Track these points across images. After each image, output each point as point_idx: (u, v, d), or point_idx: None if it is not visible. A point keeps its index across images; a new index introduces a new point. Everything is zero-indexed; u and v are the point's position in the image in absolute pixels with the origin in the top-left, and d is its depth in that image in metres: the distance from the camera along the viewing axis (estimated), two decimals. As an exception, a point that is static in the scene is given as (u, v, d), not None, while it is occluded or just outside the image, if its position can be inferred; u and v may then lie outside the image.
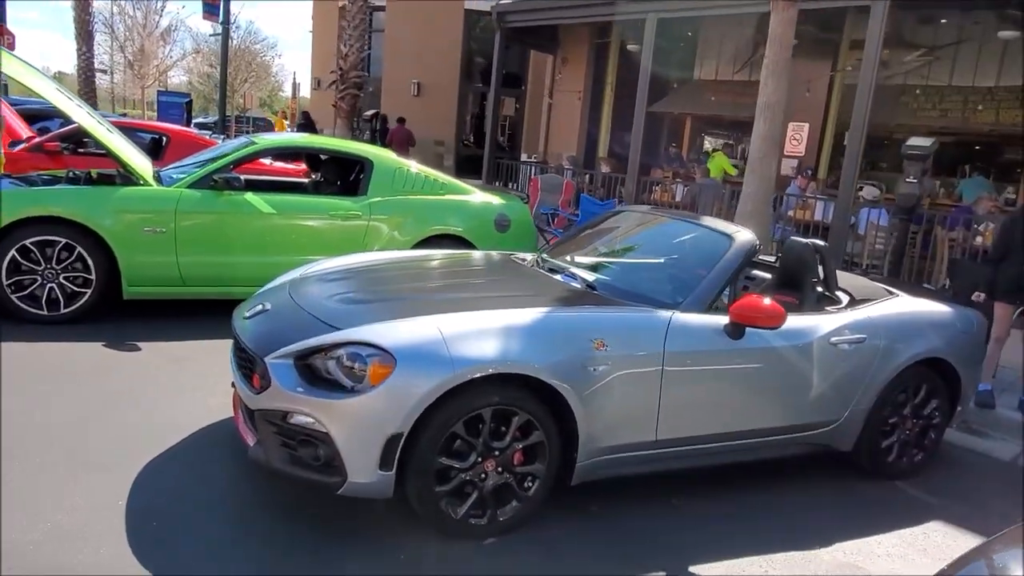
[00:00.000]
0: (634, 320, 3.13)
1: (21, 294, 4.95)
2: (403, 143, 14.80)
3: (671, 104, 13.64)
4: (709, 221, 3.83)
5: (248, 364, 3.00)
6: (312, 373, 2.79)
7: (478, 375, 2.73)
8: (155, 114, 18.84)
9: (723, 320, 3.26)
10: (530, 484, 2.95)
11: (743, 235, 3.56)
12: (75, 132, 7.94)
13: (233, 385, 3.48)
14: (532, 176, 10.56)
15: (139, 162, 5.45)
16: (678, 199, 10.35)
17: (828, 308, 3.77)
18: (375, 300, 3.14)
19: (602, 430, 3.02)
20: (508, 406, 2.83)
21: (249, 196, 5.49)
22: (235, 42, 40.81)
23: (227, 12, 17.51)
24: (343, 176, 6.41)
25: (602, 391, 2.97)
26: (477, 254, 4.45)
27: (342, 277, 3.63)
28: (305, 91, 33.32)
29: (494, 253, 4.49)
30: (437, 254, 4.28)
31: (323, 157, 6.72)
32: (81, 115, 5.38)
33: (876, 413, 3.71)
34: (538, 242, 7.10)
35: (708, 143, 14.89)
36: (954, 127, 11.04)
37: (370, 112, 9.53)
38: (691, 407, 3.22)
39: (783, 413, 3.50)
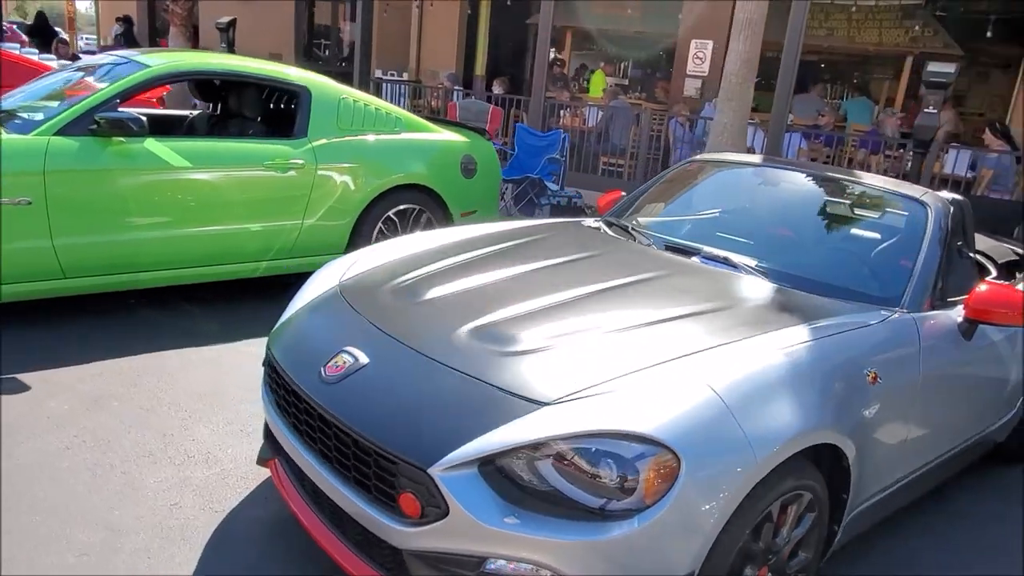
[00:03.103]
0: (895, 336, 2.28)
1: None
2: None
3: (555, 17, 12.51)
4: (876, 180, 3.01)
5: (375, 469, 1.78)
6: (511, 483, 1.67)
7: (781, 459, 1.77)
8: None
9: (950, 317, 2.53)
10: (793, 582, 2.08)
11: (936, 199, 2.80)
12: None
13: (273, 463, 2.22)
14: (450, 102, 9.13)
15: (-31, 97, 3.58)
16: (591, 124, 9.49)
17: (989, 280, 3.17)
18: (548, 338, 1.99)
19: (862, 488, 2.20)
20: (796, 490, 1.90)
21: (151, 143, 3.83)
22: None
23: None
24: (260, 110, 4.80)
25: (872, 439, 2.13)
26: (536, 226, 3.31)
27: (439, 284, 2.36)
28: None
29: (555, 223, 3.39)
30: (499, 232, 3.10)
31: (217, 83, 5.02)
32: None
33: (1035, 395, 3.23)
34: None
35: (576, 62, 14.04)
36: (840, 47, 11.11)
37: (226, 19, 7.53)
38: (928, 431, 2.48)
39: (986, 415, 2.89)
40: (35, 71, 5.65)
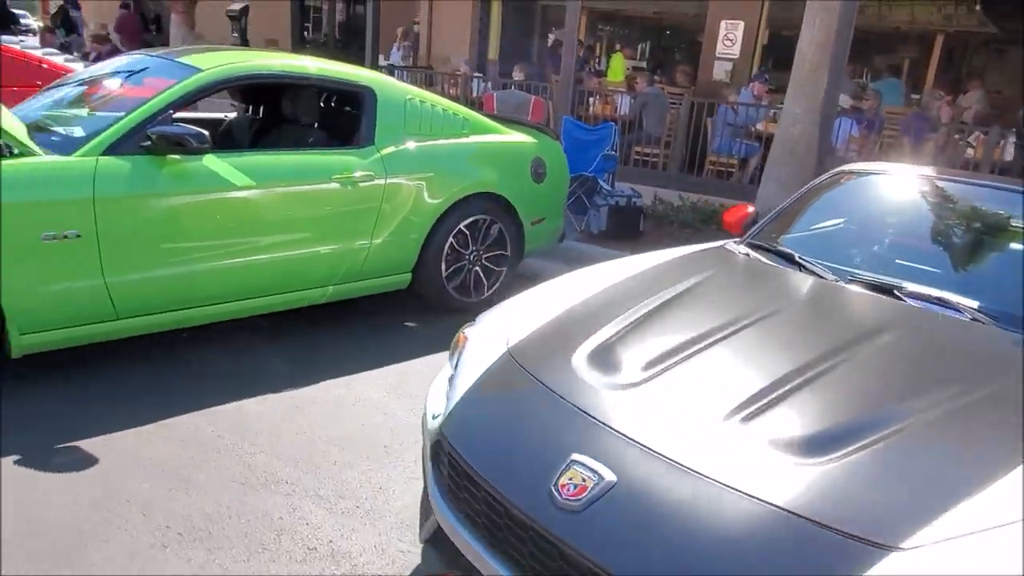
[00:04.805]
0: None
1: None
2: (134, 37, 12.24)
3: (566, -4, 11.95)
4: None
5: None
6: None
7: None
8: None
9: None
10: None
11: None
12: None
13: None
14: (485, 92, 8.58)
15: (2, 115, 3.03)
16: (621, 112, 9.01)
17: None
18: (833, 437, 1.55)
19: None
20: None
21: (210, 160, 3.33)
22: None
23: None
24: (316, 114, 4.27)
25: None
26: (681, 261, 2.85)
27: (640, 353, 1.89)
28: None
29: (694, 254, 2.94)
30: (649, 271, 2.65)
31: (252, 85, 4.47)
32: None
33: None
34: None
35: (590, 45, 13.51)
36: (869, 25, 10.67)
37: (237, 5, 6.91)
38: None
39: None
40: (48, 72, 5.05)
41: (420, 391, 3.44)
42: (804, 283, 2.50)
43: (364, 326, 4.15)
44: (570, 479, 1.52)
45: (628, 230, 6.11)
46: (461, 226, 4.28)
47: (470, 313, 4.46)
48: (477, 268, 4.45)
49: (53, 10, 16.78)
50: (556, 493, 1.51)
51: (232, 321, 3.66)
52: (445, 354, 3.92)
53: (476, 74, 9.99)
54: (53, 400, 3.05)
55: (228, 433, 2.94)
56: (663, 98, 8.82)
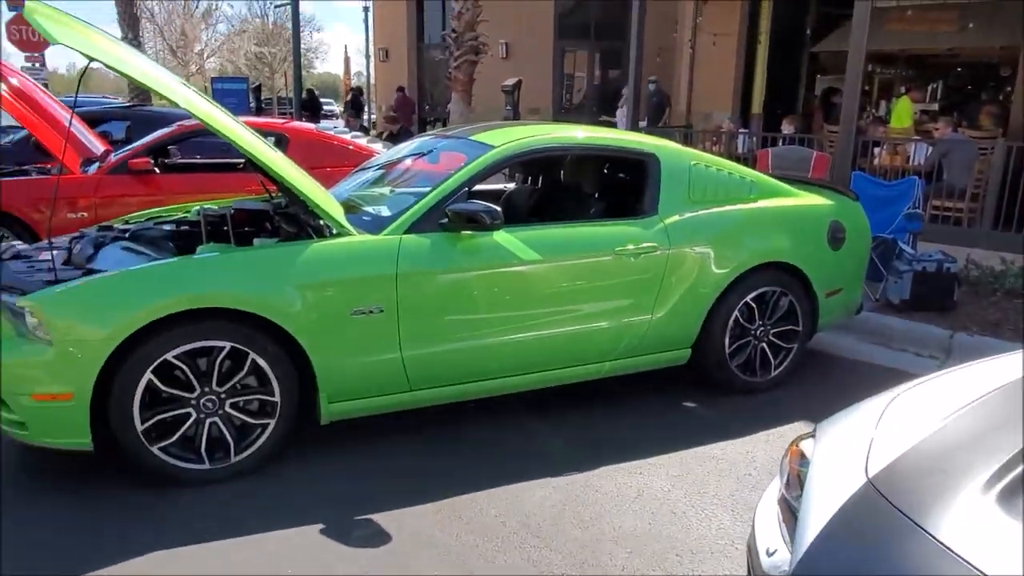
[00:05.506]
0: None
1: (165, 443, 2.91)
2: (409, 115, 13.95)
3: (842, 41, 11.11)
4: None
5: None
6: None
7: None
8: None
9: None
10: None
11: None
12: (167, 139, 5.86)
13: None
14: (758, 149, 8.23)
15: (325, 198, 3.32)
16: (916, 163, 7.96)
17: None
18: None
19: None
20: None
21: (500, 236, 3.34)
22: (272, 19, 38.43)
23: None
24: (599, 184, 4.19)
25: None
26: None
27: None
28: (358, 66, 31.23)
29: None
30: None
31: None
32: (224, 120, 3.22)
33: None
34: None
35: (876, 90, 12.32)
36: None
37: (511, 81, 7.39)
38: None
39: None
40: (341, 150, 5.71)
41: (707, 486, 3.10)
42: None
43: (639, 404, 3.89)
44: None
45: (938, 299, 5.23)
46: (747, 299, 3.89)
47: (754, 394, 4.05)
48: (763, 344, 4.02)
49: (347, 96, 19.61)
50: None
51: (507, 396, 3.62)
52: (731, 443, 3.61)
53: (742, 130, 9.50)
54: (346, 470, 3.17)
55: (510, 519, 2.82)
56: (971, 145, 7.63)
